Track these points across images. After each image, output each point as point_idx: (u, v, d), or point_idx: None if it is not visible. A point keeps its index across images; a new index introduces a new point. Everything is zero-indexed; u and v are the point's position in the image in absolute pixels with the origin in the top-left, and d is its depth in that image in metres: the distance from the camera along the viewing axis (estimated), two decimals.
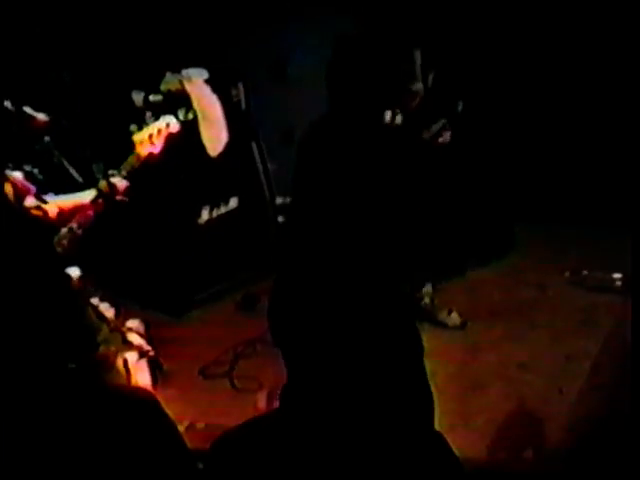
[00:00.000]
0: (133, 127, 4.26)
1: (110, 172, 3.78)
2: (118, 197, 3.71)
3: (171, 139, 3.74)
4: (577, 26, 5.63)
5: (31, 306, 1.80)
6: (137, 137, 3.74)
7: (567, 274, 5.30)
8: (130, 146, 3.74)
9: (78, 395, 1.85)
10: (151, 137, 3.70)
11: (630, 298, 4.52)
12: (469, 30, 5.72)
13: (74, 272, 3.66)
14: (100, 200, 3.69)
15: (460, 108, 5.12)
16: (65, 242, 3.61)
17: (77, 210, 3.70)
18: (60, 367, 1.86)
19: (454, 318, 4.88)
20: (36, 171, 3.75)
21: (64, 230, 3.63)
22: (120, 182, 3.72)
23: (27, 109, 3.84)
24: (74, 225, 3.66)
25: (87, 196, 3.72)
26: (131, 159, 3.75)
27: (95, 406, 1.83)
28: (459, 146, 5.20)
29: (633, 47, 5.31)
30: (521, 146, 5.90)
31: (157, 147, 3.72)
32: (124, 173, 3.73)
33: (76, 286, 3.58)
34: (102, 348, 4.00)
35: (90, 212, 3.68)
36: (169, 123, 3.77)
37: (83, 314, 3.70)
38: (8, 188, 3.60)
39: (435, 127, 4.92)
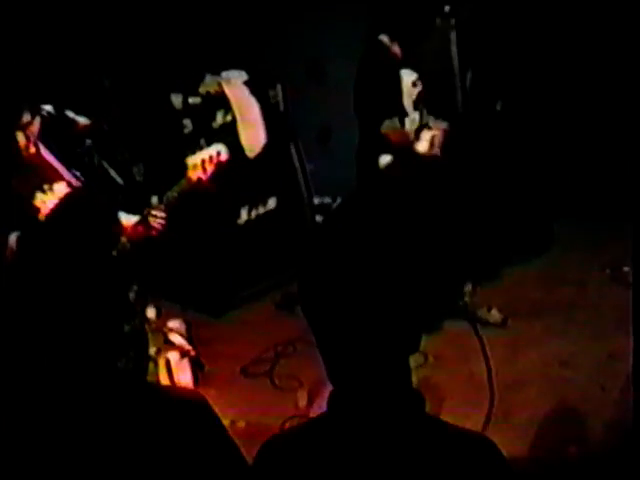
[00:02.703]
0: (186, 121, 4.29)
1: (154, 203, 3.84)
2: (156, 224, 3.77)
3: (220, 167, 3.79)
4: (616, 25, 5.59)
5: (85, 302, 1.83)
6: (190, 161, 3.80)
7: (608, 271, 5.26)
8: (182, 169, 3.80)
9: (128, 394, 1.87)
10: (203, 163, 3.75)
11: None
12: (506, 29, 5.69)
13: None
14: (141, 226, 3.76)
15: (499, 107, 5.08)
16: (114, 253, 3.69)
17: (125, 228, 3.77)
18: (111, 366, 1.88)
19: (494, 315, 4.87)
20: (78, 174, 3.81)
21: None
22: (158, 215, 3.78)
23: (69, 113, 3.90)
24: (124, 239, 3.74)
25: (133, 219, 3.79)
26: (182, 182, 3.81)
27: (145, 406, 1.85)
28: (499, 144, 5.17)
29: None
30: (560, 143, 5.87)
31: (207, 174, 3.77)
32: (175, 194, 3.80)
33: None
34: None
35: (140, 229, 3.76)
36: (220, 151, 3.80)
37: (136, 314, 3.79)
38: None
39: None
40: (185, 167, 3.77)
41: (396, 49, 4.73)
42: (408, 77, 4.69)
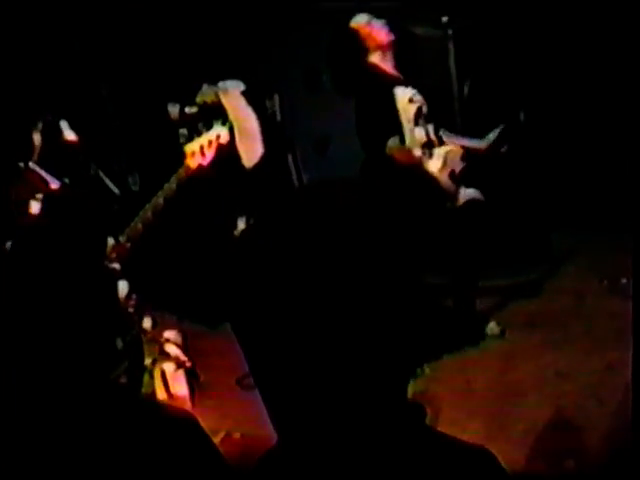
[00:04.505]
0: (182, 131, 4.23)
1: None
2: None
3: (221, 151, 3.69)
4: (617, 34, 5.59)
5: (77, 313, 1.81)
6: (188, 148, 3.69)
7: (605, 282, 5.25)
8: (172, 155, 3.72)
9: (118, 410, 1.85)
10: (202, 148, 3.65)
11: None
12: (508, 40, 5.69)
13: (122, 287, 3.66)
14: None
15: (522, 118, 5.01)
16: (114, 255, 3.60)
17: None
18: (103, 379, 1.86)
19: (492, 327, 4.85)
20: (72, 182, 3.80)
21: (111, 241, 3.65)
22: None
23: (63, 124, 3.87)
24: (122, 238, 3.67)
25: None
26: (181, 171, 3.71)
27: (135, 423, 1.84)
28: (520, 155, 5.12)
29: None
30: (557, 154, 5.86)
31: (207, 159, 3.66)
32: (174, 186, 3.69)
33: (123, 301, 3.59)
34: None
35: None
36: (219, 134, 3.70)
37: (132, 326, 3.74)
38: None
39: (492, 136, 4.83)
40: (183, 155, 3.66)
41: (386, 67, 4.72)
42: (403, 94, 4.61)
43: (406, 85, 4.65)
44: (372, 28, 4.73)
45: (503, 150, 4.83)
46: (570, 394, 4.20)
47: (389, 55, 4.75)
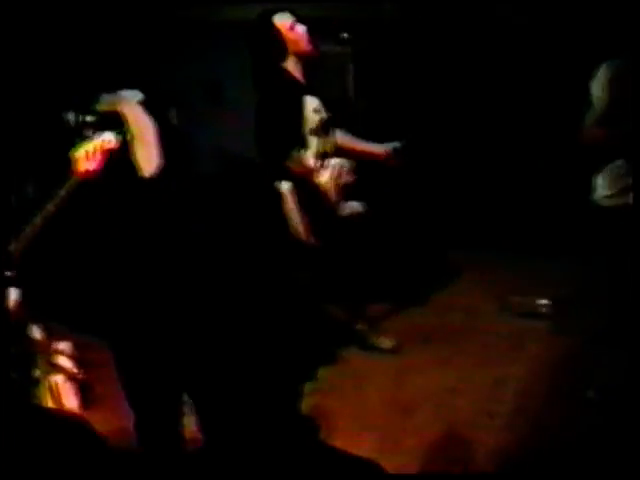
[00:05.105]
0: (79, 139, 4.19)
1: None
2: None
3: (109, 155, 3.71)
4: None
5: None
6: (74, 154, 3.69)
7: (496, 300, 5.38)
8: (68, 164, 3.70)
9: (8, 416, 1.83)
10: (87, 154, 3.66)
11: (557, 324, 4.68)
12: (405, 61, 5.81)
13: (12, 294, 3.61)
14: None
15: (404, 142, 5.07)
16: (6, 263, 3.55)
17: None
18: None
19: (386, 342, 4.91)
20: None
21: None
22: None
23: None
24: (15, 245, 3.62)
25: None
26: (70, 178, 3.70)
27: (25, 426, 1.82)
28: (416, 172, 5.20)
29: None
30: (454, 174, 5.99)
31: (95, 164, 3.67)
32: (64, 193, 3.68)
33: (12, 308, 3.54)
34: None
35: None
36: (105, 140, 3.73)
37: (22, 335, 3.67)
38: None
39: (393, 145, 4.88)
40: (71, 161, 3.66)
41: (298, 74, 4.70)
42: (310, 103, 4.64)
43: (312, 95, 4.66)
44: (296, 34, 4.65)
45: (397, 164, 4.88)
46: (460, 409, 4.27)
47: (302, 63, 4.70)
